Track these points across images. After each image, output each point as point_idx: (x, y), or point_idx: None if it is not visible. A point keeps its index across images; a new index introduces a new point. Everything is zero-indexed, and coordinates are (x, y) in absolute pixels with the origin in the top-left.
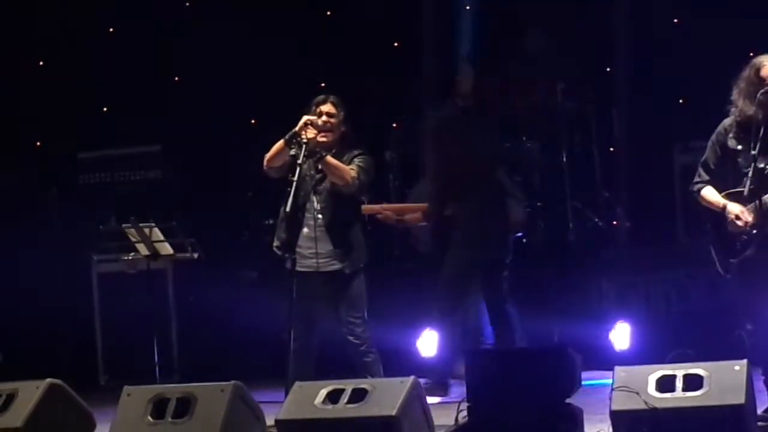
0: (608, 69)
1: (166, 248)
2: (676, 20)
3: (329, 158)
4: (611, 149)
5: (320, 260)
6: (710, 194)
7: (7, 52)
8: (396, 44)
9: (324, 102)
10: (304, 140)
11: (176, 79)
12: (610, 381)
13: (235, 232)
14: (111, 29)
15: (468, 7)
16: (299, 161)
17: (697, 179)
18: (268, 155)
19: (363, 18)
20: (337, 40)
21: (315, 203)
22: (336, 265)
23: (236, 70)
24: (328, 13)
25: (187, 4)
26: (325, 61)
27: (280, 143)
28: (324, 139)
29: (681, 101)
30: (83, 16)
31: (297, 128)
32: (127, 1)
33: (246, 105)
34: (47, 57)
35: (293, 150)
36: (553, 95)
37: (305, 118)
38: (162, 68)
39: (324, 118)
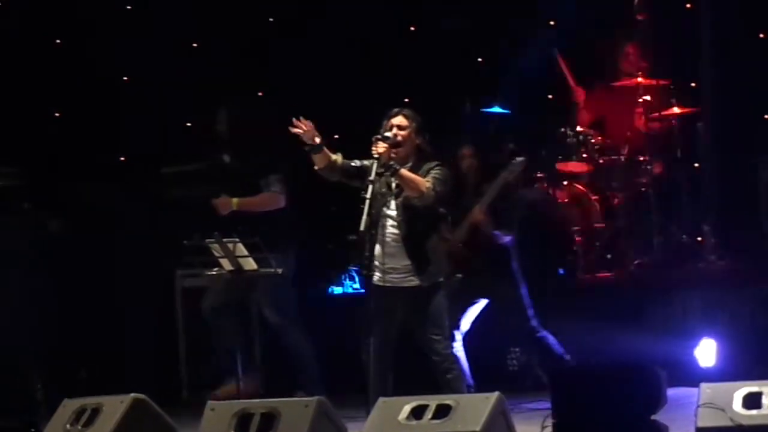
0: (693, 84)
1: (250, 263)
2: (762, 35)
3: (403, 171)
4: (696, 164)
5: (398, 275)
6: None
7: (94, 67)
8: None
9: (396, 115)
10: (376, 156)
11: (259, 94)
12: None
13: (319, 246)
14: (194, 44)
15: (552, 23)
16: (371, 177)
17: None
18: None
19: (442, 33)
20: (418, 56)
21: (390, 218)
22: (413, 281)
23: (319, 84)
24: (412, 28)
25: (270, 19)
26: (406, 77)
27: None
28: (394, 154)
29: (766, 117)
30: (167, 32)
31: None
32: (212, 17)
33: (329, 120)
34: (133, 72)
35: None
36: (640, 111)
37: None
38: (247, 83)
39: (395, 130)
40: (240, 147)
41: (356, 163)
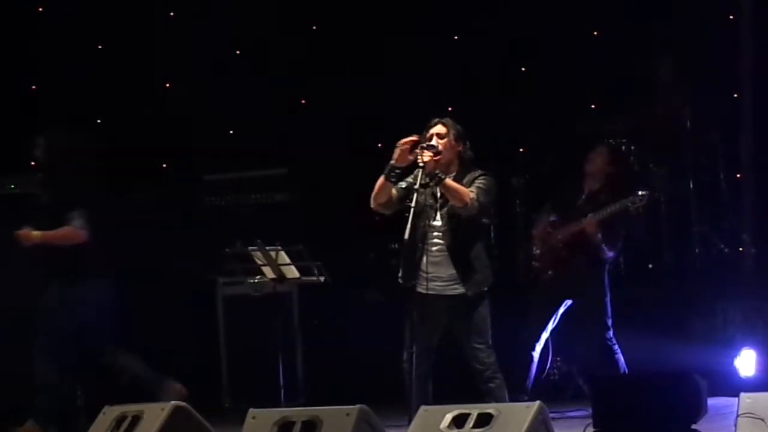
0: (735, 95)
1: (293, 271)
2: None
3: (448, 180)
4: (738, 175)
5: (442, 284)
6: None
7: (133, 74)
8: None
9: (435, 124)
10: (421, 164)
11: (303, 102)
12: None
13: (361, 255)
14: (237, 51)
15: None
16: (416, 187)
17: None
18: (373, 193)
19: (488, 44)
20: (463, 66)
21: (436, 227)
22: (458, 289)
23: (361, 95)
24: (456, 37)
25: (314, 27)
26: (451, 86)
27: (381, 180)
28: (432, 159)
29: None
30: (209, 39)
31: (393, 160)
32: (251, 23)
33: (372, 128)
34: (174, 80)
35: (393, 179)
36: (682, 121)
37: (399, 143)
38: (289, 91)
39: (435, 139)
40: (49, 177)
41: (403, 184)
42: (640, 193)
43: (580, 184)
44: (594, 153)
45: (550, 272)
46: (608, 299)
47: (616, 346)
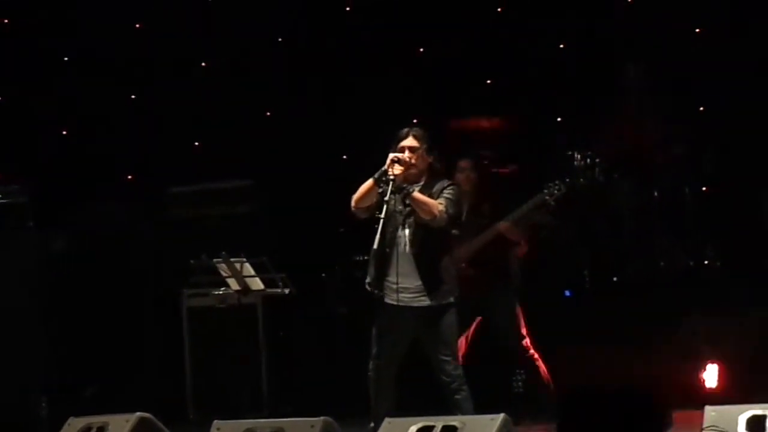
0: (701, 108)
1: (257, 283)
2: None
3: (416, 193)
4: (703, 188)
5: (410, 295)
6: None
7: (100, 85)
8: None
9: (406, 136)
10: (392, 176)
11: (267, 114)
12: None
13: (326, 267)
14: (203, 63)
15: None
16: (386, 198)
17: None
18: (356, 196)
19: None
20: (428, 76)
21: (403, 238)
22: (425, 301)
23: (327, 105)
24: (421, 50)
25: (280, 39)
26: (417, 97)
27: (370, 183)
28: (403, 173)
29: None
30: (173, 52)
31: (386, 166)
32: (218, 36)
33: (337, 140)
34: (138, 91)
35: (381, 188)
36: (646, 133)
37: (392, 155)
38: (254, 103)
39: (407, 153)
40: None
41: (380, 190)
42: (552, 183)
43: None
44: (457, 169)
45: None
46: (518, 311)
47: (534, 354)
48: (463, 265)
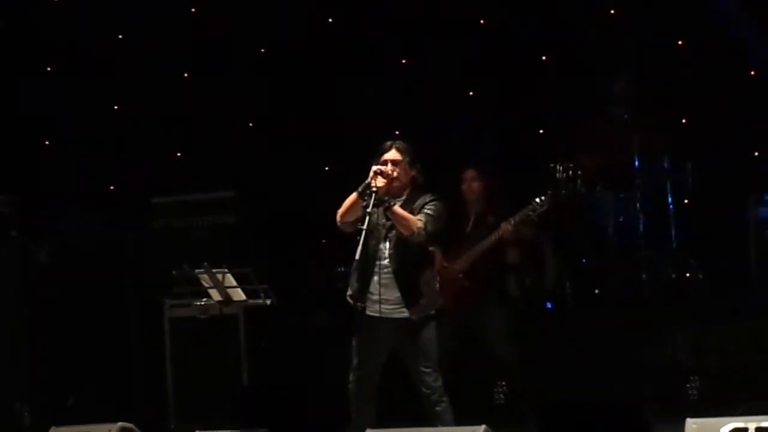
0: (684, 120)
1: (239, 294)
2: (753, 72)
3: (396, 208)
4: (685, 201)
5: (388, 306)
6: None
7: (83, 95)
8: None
9: (389, 149)
10: (374, 189)
11: (250, 124)
12: None
13: (308, 278)
14: (186, 74)
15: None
16: (368, 210)
17: None
18: (341, 210)
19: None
20: (416, 86)
21: (384, 251)
22: (404, 313)
23: (311, 116)
24: (404, 61)
25: (262, 50)
26: (403, 107)
27: (354, 196)
28: (386, 185)
29: (756, 154)
30: (159, 61)
31: (369, 179)
32: (202, 46)
33: (320, 151)
34: (122, 101)
35: (365, 201)
36: (629, 145)
37: (374, 168)
38: (237, 113)
39: (389, 166)
40: None
41: (364, 203)
42: (537, 199)
43: (464, 212)
44: (464, 177)
45: (449, 306)
46: (509, 324)
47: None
48: (460, 276)
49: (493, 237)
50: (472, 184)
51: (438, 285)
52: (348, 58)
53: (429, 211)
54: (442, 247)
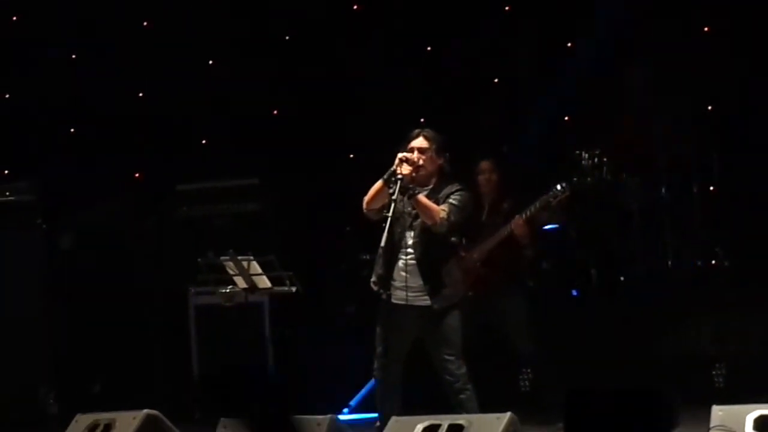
0: (709, 107)
1: (264, 281)
2: None
3: (420, 197)
4: (711, 188)
5: (411, 294)
6: None
7: (107, 84)
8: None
9: (416, 137)
10: (400, 176)
11: (275, 112)
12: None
13: (332, 266)
14: (210, 62)
15: (569, 44)
16: (394, 197)
17: None
18: (367, 197)
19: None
20: (438, 75)
21: (409, 239)
22: (426, 301)
23: (335, 104)
24: (428, 48)
25: (287, 37)
26: (426, 95)
27: (379, 184)
28: (415, 175)
29: None
30: (181, 49)
31: (394, 167)
32: (229, 36)
33: (344, 139)
34: (147, 89)
35: (391, 188)
36: (655, 132)
37: (400, 155)
38: (260, 101)
39: (416, 153)
40: None
41: (390, 190)
42: (558, 186)
43: (479, 201)
44: (481, 168)
45: (469, 293)
46: (528, 314)
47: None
48: (478, 264)
49: (506, 230)
50: (490, 175)
51: (461, 275)
52: (375, 41)
53: (454, 201)
54: (461, 236)
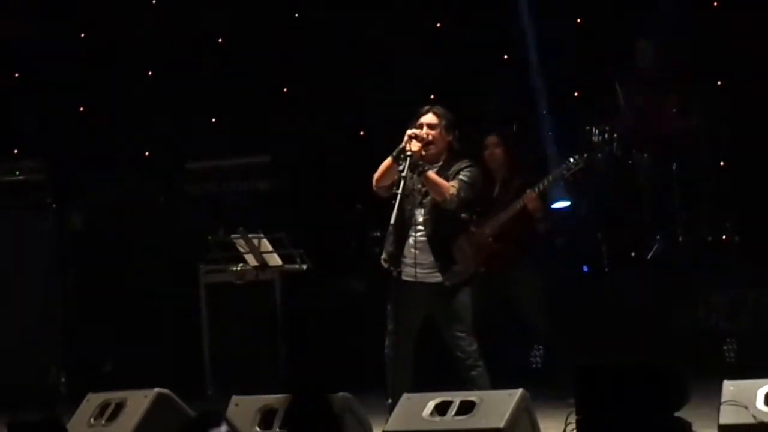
0: (719, 82)
1: (275, 259)
2: None
3: (429, 173)
4: (721, 163)
5: (421, 271)
6: None
7: (116, 62)
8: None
9: (426, 113)
10: (409, 153)
11: (285, 90)
12: None
13: (343, 243)
14: (220, 39)
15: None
16: (403, 174)
17: None
18: (376, 174)
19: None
20: (445, 54)
21: (419, 216)
22: (437, 278)
23: (344, 82)
24: (438, 24)
25: (297, 15)
26: (434, 72)
27: (388, 161)
28: (424, 152)
29: None
30: (191, 27)
31: (403, 143)
32: (235, 12)
33: (354, 116)
34: (156, 67)
35: (400, 165)
36: (664, 108)
37: (409, 131)
38: (271, 79)
39: (425, 129)
40: None
41: (400, 167)
42: (571, 159)
43: (491, 176)
44: (487, 143)
45: (481, 269)
46: (542, 289)
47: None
48: (490, 239)
49: (518, 204)
50: (494, 150)
51: (472, 251)
52: (385, 19)
53: (464, 177)
54: (471, 212)
